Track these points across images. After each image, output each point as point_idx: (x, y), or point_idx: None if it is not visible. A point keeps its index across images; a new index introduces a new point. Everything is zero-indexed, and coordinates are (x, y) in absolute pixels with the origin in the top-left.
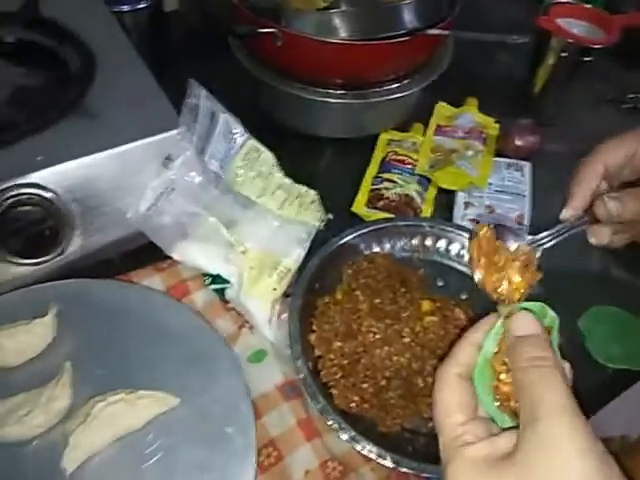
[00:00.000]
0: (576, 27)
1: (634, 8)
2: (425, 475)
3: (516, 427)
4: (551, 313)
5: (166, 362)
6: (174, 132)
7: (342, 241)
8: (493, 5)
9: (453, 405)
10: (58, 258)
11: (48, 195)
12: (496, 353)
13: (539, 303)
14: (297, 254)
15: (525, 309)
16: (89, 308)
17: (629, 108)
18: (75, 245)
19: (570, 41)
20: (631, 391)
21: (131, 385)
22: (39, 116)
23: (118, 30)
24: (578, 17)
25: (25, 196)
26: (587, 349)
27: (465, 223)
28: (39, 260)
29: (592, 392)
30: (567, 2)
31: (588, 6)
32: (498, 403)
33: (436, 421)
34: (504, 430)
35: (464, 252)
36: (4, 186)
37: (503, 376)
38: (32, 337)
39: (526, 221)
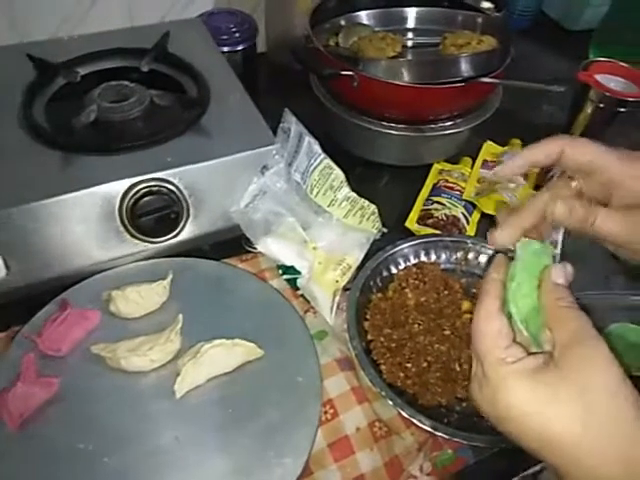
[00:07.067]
0: (612, 82)
1: None
2: (457, 440)
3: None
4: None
5: (252, 324)
6: (271, 148)
7: (395, 249)
8: (539, 60)
9: (497, 333)
10: (173, 240)
11: (172, 188)
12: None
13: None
14: (357, 255)
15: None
16: (194, 279)
17: None
18: (187, 230)
19: (607, 94)
20: None
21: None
22: (168, 129)
23: (226, 66)
24: (615, 74)
25: (155, 187)
26: None
27: None
28: (159, 239)
29: None
30: (606, 60)
31: (623, 64)
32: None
33: (480, 350)
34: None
35: None
36: (140, 179)
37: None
38: (153, 294)
39: (559, 247)
